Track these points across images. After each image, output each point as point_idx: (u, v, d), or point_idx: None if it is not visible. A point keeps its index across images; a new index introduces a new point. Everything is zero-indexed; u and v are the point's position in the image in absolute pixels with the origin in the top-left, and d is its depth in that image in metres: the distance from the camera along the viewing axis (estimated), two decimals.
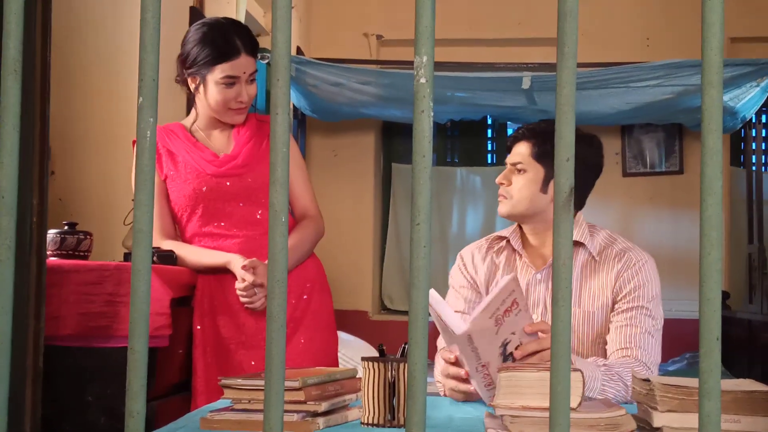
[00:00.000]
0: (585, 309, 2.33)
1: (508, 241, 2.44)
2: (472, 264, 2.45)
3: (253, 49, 2.53)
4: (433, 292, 2.03)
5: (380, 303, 6.42)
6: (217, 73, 2.48)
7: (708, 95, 0.91)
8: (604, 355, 2.32)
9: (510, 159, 2.41)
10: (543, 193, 2.35)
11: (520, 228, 2.45)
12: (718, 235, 0.92)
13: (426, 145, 0.93)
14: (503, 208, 2.39)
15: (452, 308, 2.37)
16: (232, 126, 2.62)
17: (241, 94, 2.51)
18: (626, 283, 2.31)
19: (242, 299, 2.46)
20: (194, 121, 2.61)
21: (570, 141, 0.92)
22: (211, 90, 2.50)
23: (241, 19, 4.26)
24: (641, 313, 2.29)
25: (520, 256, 2.40)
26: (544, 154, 2.34)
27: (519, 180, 2.37)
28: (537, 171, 2.35)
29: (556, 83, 0.92)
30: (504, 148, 3.83)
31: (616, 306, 2.31)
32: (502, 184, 2.39)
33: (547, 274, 2.35)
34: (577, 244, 2.35)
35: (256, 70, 2.55)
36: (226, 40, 2.49)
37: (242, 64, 2.49)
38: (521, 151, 2.38)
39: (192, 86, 2.54)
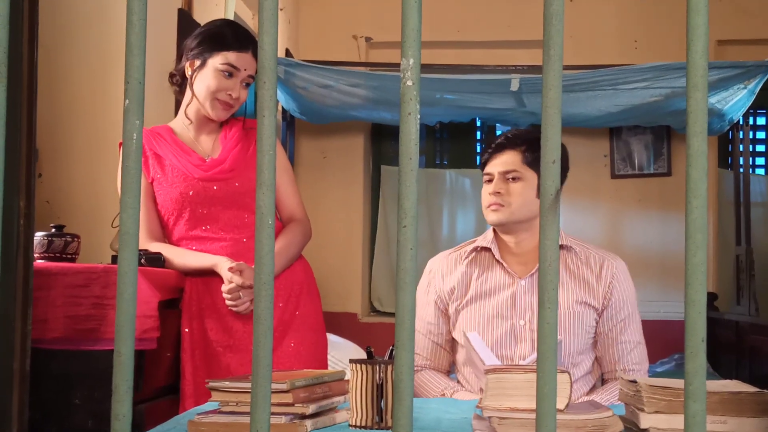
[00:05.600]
0: (569, 310, 2.36)
1: (487, 250, 2.45)
2: (440, 274, 2.49)
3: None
4: (475, 335, 2.20)
5: (369, 305, 6.42)
6: (220, 59, 2.50)
7: (693, 98, 0.91)
8: (589, 354, 2.37)
9: (500, 168, 2.39)
10: (538, 198, 2.39)
11: (496, 236, 2.46)
12: (703, 237, 0.92)
13: (413, 147, 0.93)
14: (500, 216, 2.38)
15: (423, 316, 2.45)
16: (219, 128, 2.62)
17: (233, 90, 2.52)
18: (613, 293, 2.39)
19: (227, 302, 2.45)
20: (181, 124, 2.61)
21: (556, 143, 0.93)
22: (207, 75, 2.51)
23: None
24: (633, 321, 2.38)
25: (501, 264, 2.42)
26: (536, 161, 2.36)
27: (516, 187, 2.37)
28: (532, 177, 2.37)
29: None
30: None
31: (607, 315, 2.37)
32: (499, 193, 2.38)
33: (530, 281, 2.38)
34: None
35: (254, 78, 2.55)
36: (238, 34, 2.55)
37: (247, 60, 2.51)
38: (512, 159, 2.38)
39: (189, 71, 2.53)
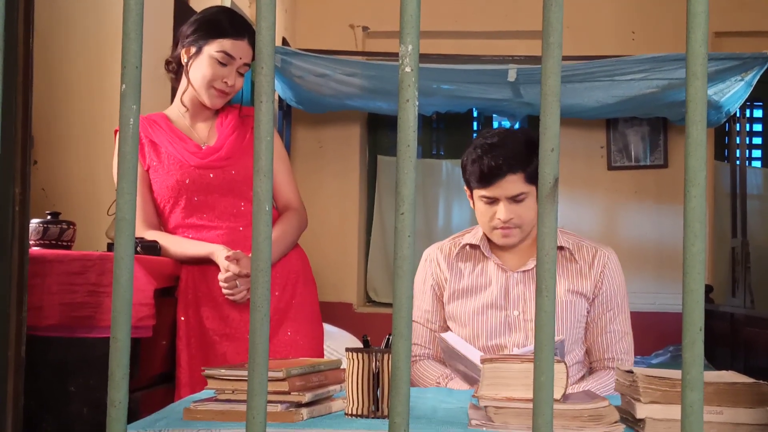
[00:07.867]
0: (561, 299, 2.37)
1: (476, 247, 2.46)
2: (436, 261, 2.50)
3: (255, 45, 2.53)
4: (450, 334, 2.20)
5: (365, 295, 6.42)
6: (215, 47, 2.49)
7: (692, 86, 0.91)
8: (580, 344, 2.38)
9: (507, 193, 2.34)
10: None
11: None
12: (701, 227, 0.92)
13: (411, 134, 0.92)
14: (514, 239, 2.37)
15: (420, 305, 2.45)
16: (215, 116, 2.61)
17: (229, 77, 2.51)
18: (604, 281, 2.43)
19: (224, 291, 2.45)
20: (177, 111, 2.60)
21: (555, 131, 0.92)
22: (203, 63, 2.50)
23: None
24: (622, 311, 2.45)
25: (492, 260, 2.43)
26: (535, 173, 2.33)
27: (525, 206, 2.35)
28: (533, 190, 2.36)
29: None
30: None
31: (598, 303, 2.40)
32: (511, 218, 2.35)
33: (523, 274, 2.39)
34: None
35: (249, 66, 2.54)
36: (233, 21, 2.54)
37: (242, 48, 2.51)
38: (516, 182, 2.33)
39: (184, 58, 2.53)
